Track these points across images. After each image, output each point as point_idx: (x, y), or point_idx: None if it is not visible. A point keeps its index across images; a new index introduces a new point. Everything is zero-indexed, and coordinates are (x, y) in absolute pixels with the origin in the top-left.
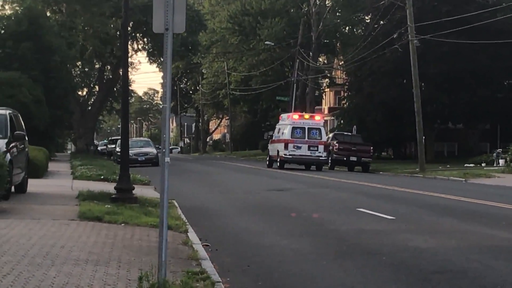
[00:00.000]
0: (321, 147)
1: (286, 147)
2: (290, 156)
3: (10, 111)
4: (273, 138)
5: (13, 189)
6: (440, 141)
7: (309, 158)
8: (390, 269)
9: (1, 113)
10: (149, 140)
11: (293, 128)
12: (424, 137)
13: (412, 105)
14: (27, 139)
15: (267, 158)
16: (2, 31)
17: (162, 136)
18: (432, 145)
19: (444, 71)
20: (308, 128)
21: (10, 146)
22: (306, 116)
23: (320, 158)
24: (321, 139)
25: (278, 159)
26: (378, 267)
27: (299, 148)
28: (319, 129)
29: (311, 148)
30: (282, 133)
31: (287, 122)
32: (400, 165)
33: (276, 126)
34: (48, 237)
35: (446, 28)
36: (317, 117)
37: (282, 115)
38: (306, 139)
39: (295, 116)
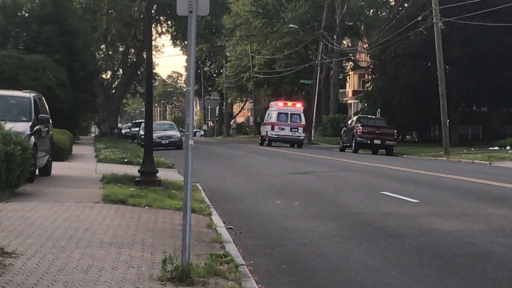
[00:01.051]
0: (300, 129)
1: (272, 129)
2: (276, 136)
3: (35, 94)
4: (264, 122)
5: (37, 172)
6: (464, 124)
7: (291, 137)
8: (414, 252)
9: (25, 96)
10: (173, 123)
11: (279, 113)
12: (448, 120)
13: (437, 88)
14: (51, 122)
15: (260, 138)
16: (27, 14)
17: (186, 119)
18: (457, 128)
19: (468, 54)
20: (291, 113)
21: (35, 129)
22: (289, 104)
23: (300, 137)
24: (300, 122)
25: (267, 138)
26: (402, 250)
27: (283, 129)
28: (299, 115)
29: (293, 130)
30: (270, 117)
31: (274, 108)
32: (424, 148)
33: (267, 111)
34: (72, 220)
35: (471, 10)
36: (298, 105)
37: (271, 102)
38: (289, 122)
39: (280, 104)
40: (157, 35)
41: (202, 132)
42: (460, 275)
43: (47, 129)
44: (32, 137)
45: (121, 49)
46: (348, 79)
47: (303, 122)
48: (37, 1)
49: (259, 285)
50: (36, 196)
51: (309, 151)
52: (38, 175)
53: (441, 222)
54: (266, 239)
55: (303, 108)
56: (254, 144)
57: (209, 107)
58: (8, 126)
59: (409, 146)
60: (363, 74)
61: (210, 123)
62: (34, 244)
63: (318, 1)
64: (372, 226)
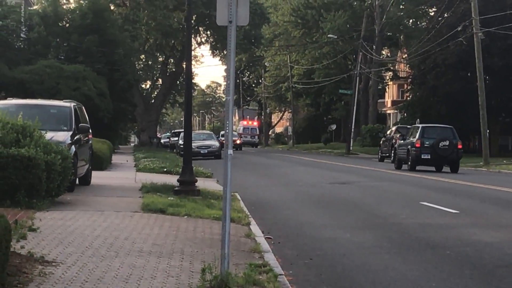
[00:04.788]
0: (255, 137)
1: (240, 137)
2: (243, 141)
3: (75, 104)
4: (238, 133)
5: (77, 181)
6: (504, 134)
7: (250, 141)
8: (454, 263)
9: (66, 106)
10: (212, 133)
11: (244, 128)
12: (488, 131)
13: (476, 98)
14: (91, 131)
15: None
16: (67, 25)
17: (226, 129)
18: (497, 139)
19: (509, 64)
20: (251, 128)
21: (75, 138)
22: (250, 122)
23: (255, 141)
24: (256, 132)
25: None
26: (442, 261)
27: (246, 137)
28: (256, 128)
29: (251, 138)
30: (239, 130)
31: (242, 125)
32: (463, 159)
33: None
34: (112, 228)
35: (511, 20)
36: (255, 123)
37: (241, 121)
38: (249, 132)
39: (245, 122)
40: (197, 45)
41: None
42: (501, 286)
43: (87, 138)
44: (73, 146)
45: (160, 59)
46: (387, 89)
47: (257, 132)
48: (77, 12)
49: None
50: (76, 205)
51: (348, 161)
52: (78, 184)
53: (481, 233)
54: (305, 249)
55: (257, 124)
56: (293, 154)
57: (248, 117)
58: (49, 135)
59: None
60: (402, 84)
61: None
62: (74, 253)
63: (357, 11)
64: (412, 237)
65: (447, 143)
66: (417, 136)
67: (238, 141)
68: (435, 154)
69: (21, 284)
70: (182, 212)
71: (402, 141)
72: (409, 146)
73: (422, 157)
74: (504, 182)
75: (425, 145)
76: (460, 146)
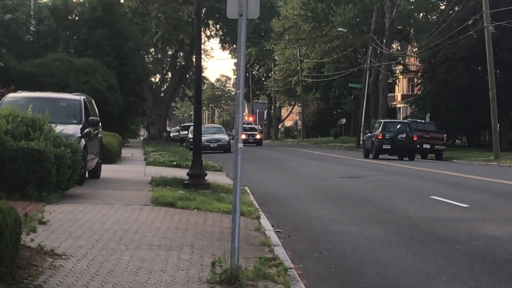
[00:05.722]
0: (256, 132)
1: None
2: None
3: (85, 97)
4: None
5: (87, 174)
6: None
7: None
8: (465, 257)
9: (75, 99)
10: (221, 126)
11: None
12: (499, 125)
13: (487, 92)
14: (100, 125)
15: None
16: (77, 18)
17: (236, 122)
18: (507, 133)
19: None
20: (247, 123)
21: (85, 131)
22: (246, 118)
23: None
24: (255, 130)
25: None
26: (452, 255)
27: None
28: (251, 123)
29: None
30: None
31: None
32: (474, 153)
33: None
34: (122, 222)
35: None
36: (250, 118)
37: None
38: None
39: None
40: (206, 39)
41: None
42: (511, 280)
43: (96, 131)
44: (82, 139)
45: (170, 52)
46: (397, 83)
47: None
48: (87, 5)
49: None
50: (86, 198)
51: (357, 155)
52: (88, 178)
53: (492, 227)
54: (314, 243)
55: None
56: (302, 148)
57: (258, 110)
58: (59, 128)
59: (458, 151)
60: (413, 78)
61: (258, 127)
62: (84, 246)
63: (368, 5)
64: (422, 231)
65: (404, 135)
66: (379, 130)
67: (258, 136)
68: (394, 145)
69: (31, 277)
70: (192, 205)
71: (369, 134)
72: (373, 138)
73: (384, 147)
74: None
75: (386, 137)
76: (415, 139)
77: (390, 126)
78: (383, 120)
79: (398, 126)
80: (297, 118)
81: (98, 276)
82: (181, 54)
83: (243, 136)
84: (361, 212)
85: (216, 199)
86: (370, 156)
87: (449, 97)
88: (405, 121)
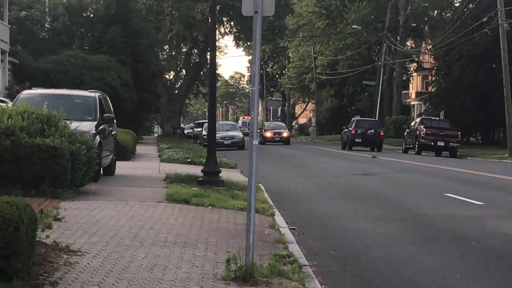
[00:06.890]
0: (282, 130)
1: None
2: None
3: (99, 94)
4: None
5: (101, 171)
6: None
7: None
8: (479, 255)
9: (90, 96)
10: (235, 123)
11: (243, 122)
12: None
13: (501, 89)
14: (115, 122)
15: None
16: (92, 15)
17: (251, 119)
18: None
19: None
20: (248, 122)
21: (99, 128)
22: (246, 117)
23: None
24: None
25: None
26: (467, 252)
27: (244, 130)
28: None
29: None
30: (241, 124)
31: (242, 120)
32: (488, 151)
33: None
34: (137, 218)
35: None
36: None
37: (244, 116)
38: (248, 126)
39: (246, 117)
40: (220, 36)
41: None
42: None
43: (111, 128)
44: (97, 136)
45: (184, 49)
46: (411, 81)
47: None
48: (102, 2)
49: (323, 286)
50: (100, 195)
51: (372, 152)
52: (103, 174)
53: (507, 225)
54: (329, 240)
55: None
56: (316, 145)
57: (271, 108)
58: (74, 125)
59: (473, 148)
60: (427, 75)
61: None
62: (99, 243)
63: (382, 2)
64: (437, 228)
65: (373, 131)
66: (353, 126)
67: (285, 134)
68: (364, 138)
69: (47, 273)
70: (206, 202)
71: (345, 129)
72: (348, 133)
73: (356, 140)
74: None
75: (358, 132)
76: (382, 134)
77: (362, 123)
78: (356, 118)
79: (368, 124)
80: (311, 115)
81: (113, 273)
82: (195, 51)
83: (268, 134)
84: (376, 209)
85: (231, 196)
86: (346, 148)
87: (463, 95)
88: (374, 119)
